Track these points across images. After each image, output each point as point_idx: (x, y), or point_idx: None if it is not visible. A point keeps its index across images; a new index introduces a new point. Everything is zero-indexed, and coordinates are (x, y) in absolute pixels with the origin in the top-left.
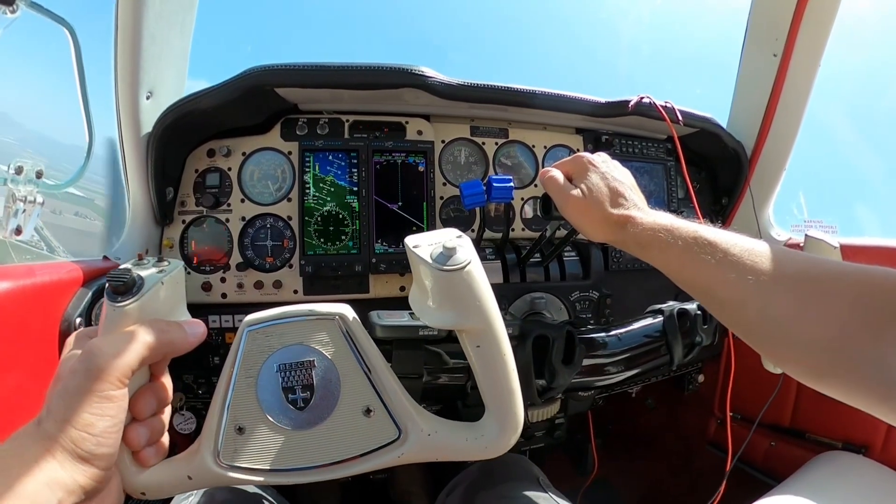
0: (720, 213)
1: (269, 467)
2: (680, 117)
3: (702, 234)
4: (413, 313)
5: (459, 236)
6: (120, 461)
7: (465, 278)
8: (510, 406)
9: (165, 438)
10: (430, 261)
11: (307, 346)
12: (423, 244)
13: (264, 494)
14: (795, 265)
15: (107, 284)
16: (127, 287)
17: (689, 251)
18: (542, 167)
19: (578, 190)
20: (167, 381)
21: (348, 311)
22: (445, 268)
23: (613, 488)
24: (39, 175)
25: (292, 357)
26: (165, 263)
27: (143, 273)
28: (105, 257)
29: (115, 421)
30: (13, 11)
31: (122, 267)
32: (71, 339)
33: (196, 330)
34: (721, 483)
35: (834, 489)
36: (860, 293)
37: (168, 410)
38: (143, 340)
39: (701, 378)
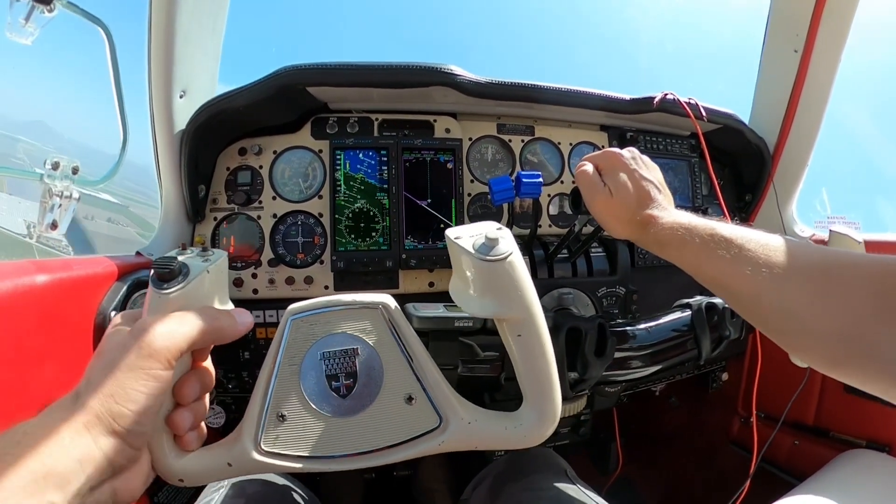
0: (744, 209)
1: (310, 454)
2: (704, 113)
3: (718, 231)
4: (448, 305)
5: (500, 228)
6: (158, 446)
7: (507, 268)
8: (549, 395)
9: (204, 425)
10: (472, 251)
11: (351, 334)
12: (464, 235)
13: (293, 487)
14: (809, 257)
15: (152, 271)
16: (173, 275)
17: (706, 248)
18: (568, 164)
19: (606, 188)
20: (210, 366)
21: (391, 301)
22: (488, 258)
23: (636, 487)
24: (75, 171)
25: (336, 345)
26: (210, 253)
27: (189, 261)
28: (138, 253)
29: (157, 401)
30: (50, 11)
31: (167, 255)
32: (116, 319)
33: (245, 319)
34: (744, 482)
35: (857, 488)
36: (875, 280)
37: (208, 396)
38: (194, 324)
39: (725, 376)
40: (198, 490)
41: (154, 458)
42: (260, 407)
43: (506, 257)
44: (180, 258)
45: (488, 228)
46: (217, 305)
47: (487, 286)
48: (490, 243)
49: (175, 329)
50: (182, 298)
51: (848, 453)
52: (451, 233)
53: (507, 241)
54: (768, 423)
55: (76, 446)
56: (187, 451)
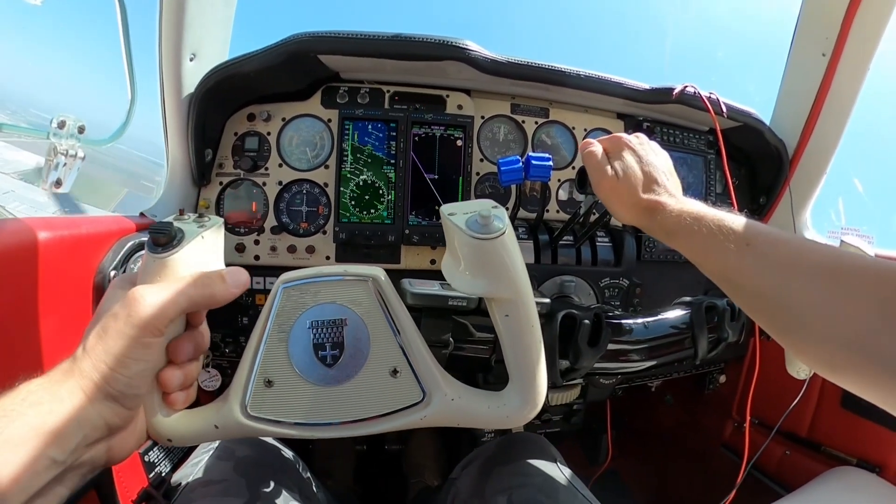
0: (758, 211)
1: (294, 420)
2: (724, 109)
3: (726, 223)
4: (444, 284)
5: (495, 207)
6: (149, 406)
7: (498, 247)
8: (534, 378)
9: (194, 386)
10: (464, 228)
11: (340, 304)
12: (458, 212)
13: (284, 453)
14: (816, 255)
15: (148, 236)
16: (168, 239)
17: (713, 238)
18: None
19: (613, 171)
20: (205, 328)
21: (381, 274)
22: (479, 236)
23: (623, 481)
24: (82, 130)
25: (325, 315)
26: (206, 219)
27: (184, 227)
28: (142, 214)
29: (148, 366)
30: None
31: (164, 220)
32: (115, 282)
33: (238, 279)
34: (732, 487)
35: None
36: (882, 286)
37: (202, 358)
38: (184, 292)
39: (722, 378)
40: (188, 452)
41: (145, 417)
42: (248, 372)
43: (497, 236)
44: (176, 224)
45: (483, 206)
46: (211, 270)
47: (477, 264)
48: (483, 221)
49: (165, 298)
50: (176, 262)
51: (837, 469)
52: (445, 209)
53: (500, 220)
54: (761, 431)
55: (75, 408)
56: (174, 409)
